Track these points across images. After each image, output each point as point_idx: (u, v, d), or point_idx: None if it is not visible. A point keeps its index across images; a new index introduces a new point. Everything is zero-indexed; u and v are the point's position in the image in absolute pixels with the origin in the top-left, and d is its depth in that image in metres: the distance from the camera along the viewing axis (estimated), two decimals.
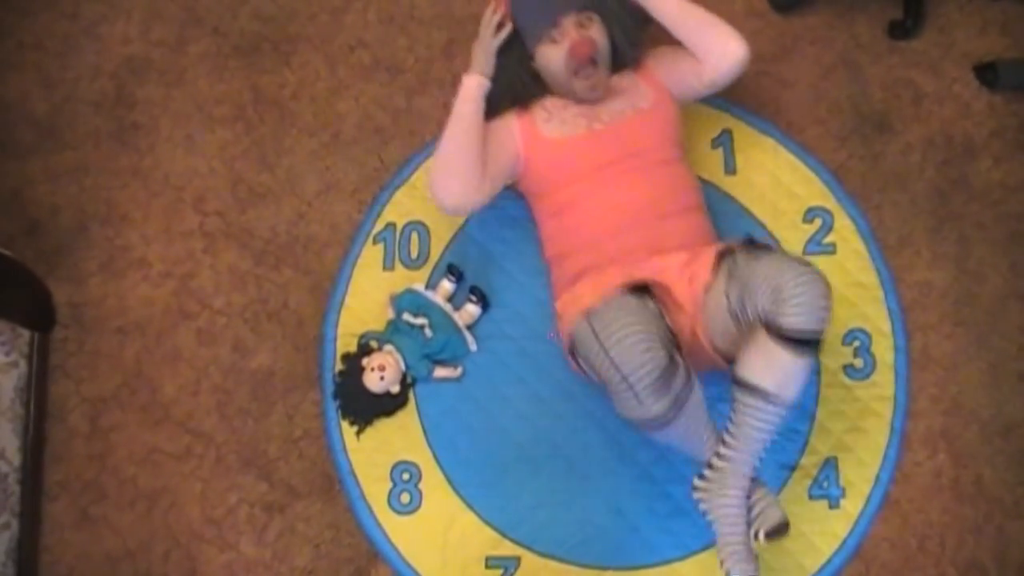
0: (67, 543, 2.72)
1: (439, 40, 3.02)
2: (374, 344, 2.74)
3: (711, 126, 2.87)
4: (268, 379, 2.79)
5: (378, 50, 3.02)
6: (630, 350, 2.12)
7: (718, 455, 2.32)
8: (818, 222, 2.79)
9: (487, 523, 2.64)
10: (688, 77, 2.60)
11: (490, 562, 2.63)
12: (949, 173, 2.86)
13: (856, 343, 2.71)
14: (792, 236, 2.78)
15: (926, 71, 2.94)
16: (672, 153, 2.58)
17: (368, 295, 2.80)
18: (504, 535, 2.63)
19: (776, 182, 2.82)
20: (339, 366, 2.73)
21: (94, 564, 2.71)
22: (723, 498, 2.32)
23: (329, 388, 2.74)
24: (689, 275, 2.39)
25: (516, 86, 2.60)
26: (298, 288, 2.84)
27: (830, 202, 2.81)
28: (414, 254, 2.84)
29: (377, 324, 2.76)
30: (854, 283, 2.75)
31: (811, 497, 2.63)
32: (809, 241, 2.77)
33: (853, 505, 2.63)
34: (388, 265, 2.82)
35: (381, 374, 2.66)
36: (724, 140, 2.86)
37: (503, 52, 2.57)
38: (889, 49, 2.95)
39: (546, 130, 2.56)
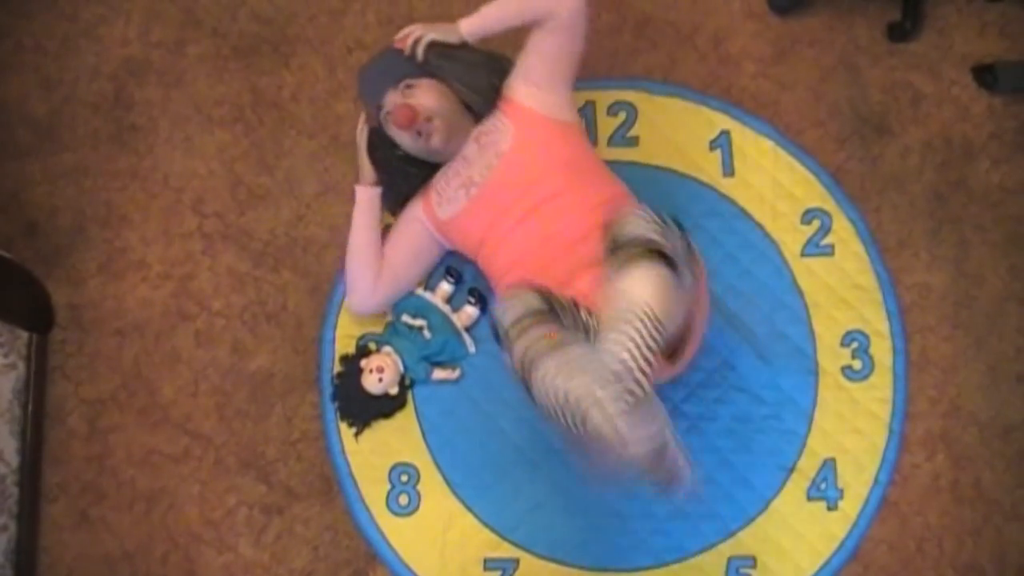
0: (66, 544, 2.72)
1: None
2: (372, 346, 2.74)
3: (709, 128, 2.87)
4: (267, 381, 2.79)
5: (377, 51, 3.01)
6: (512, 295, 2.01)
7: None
8: (816, 224, 2.79)
9: (485, 525, 2.64)
10: (551, 48, 2.51)
11: (488, 564, 2.63)
12: (948, 175, 2.86)
13: (855, 345, 2.71)
14: (790, 238, 2.78)
15: (925, 73, 2.94)
16: (558, 180, 2.45)
17: None
18: (503, 537, 2.63)
19: (775, 184, 2.82)
20: (337, 368, 2.73)
21: (93, 565, 2.71)
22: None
23: (328, 390, 2.74)
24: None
25: (398, 177, 2.64)
26: (297, 290, 2.84)
27: (829, 204, 2.81)
28: None
29: (376, 326, 2.75)
30: (853, 285, 2.75)
31: (809, 499, 2.63)
32: (807, 243, 2.77)
33: (851, 507, 2.63)
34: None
35: (380, 376, 2.66)
36: (722, 142, 2.86)
37: (376, 150, 2.62)
38: (888, 51, 2.95)
39: (440, 212, 2.57)
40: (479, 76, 2.53)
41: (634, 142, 2.86)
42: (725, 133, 2.87)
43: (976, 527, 2.63)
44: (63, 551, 2.72)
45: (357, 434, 2.70)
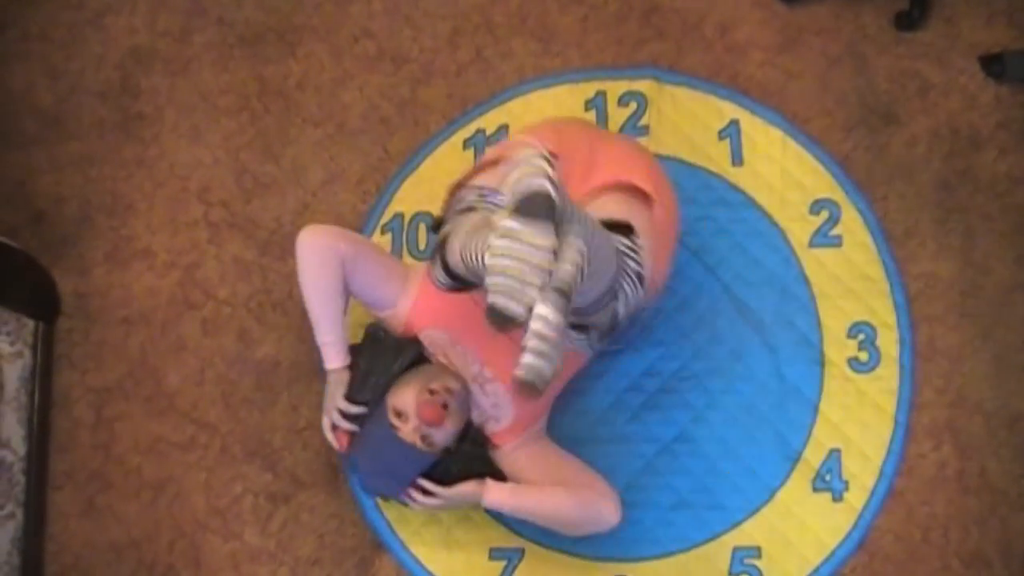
0: (72, 532, 2.73)
1: (444, 30, 3.01)
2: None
3: (719, 117, 2.86)
4: (273, 369, 2.79)
5: (383, 40, 3.01)
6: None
7: None
8: (825, 214, 2.78)
9: (491, 515, 2.64)
10: None
11: (494, 554, 2.64)
12: (955, 165, 2.85)
13: (861, 336, 2.71)
14: (799, 228, 2.77)
15: (932, 62, 2.92)
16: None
17: None
18: (508, 527, 2.63)
19: (784, 173, 2.81)
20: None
21: (99, 553, 2.72)
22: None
23: None
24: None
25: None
26: None
27: (837, 194, 2.80)
28: (422, 245, 2.83)
29: None
30: (860, 276, 2.74)
31: (814, 490, 2.63)
32: (816, 233, 2.77)
33: (856, 498, 2.63)
34: (396, 256, 2.82)
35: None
36: (732, 131, 2.85)
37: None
38: (895, 40, 2.94)
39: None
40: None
41: (644, 131, 2.85)
42: (734, 122, 2.86)
43: (982, 517, 2.63)
44: (69, 539, 2.73)
45: None
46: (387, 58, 3.00)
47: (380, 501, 2.66)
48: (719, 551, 2.61)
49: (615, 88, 2.90)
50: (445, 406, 2.32)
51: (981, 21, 2.94)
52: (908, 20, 2.92)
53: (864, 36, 2.95)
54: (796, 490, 2.63)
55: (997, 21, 2.94)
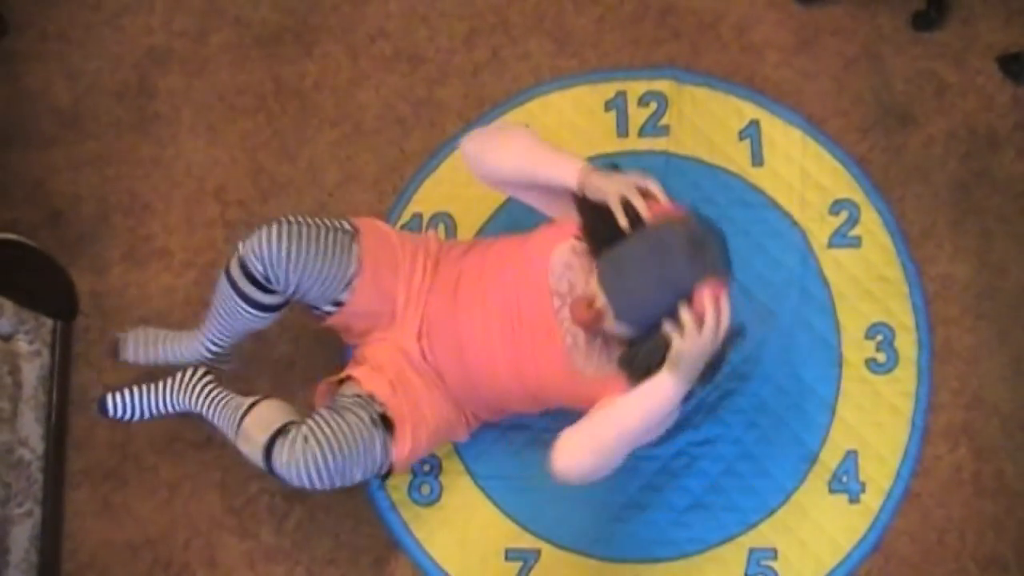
0: (89, 531, 2.74)
1: (460, 30, 3.01)
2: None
3: (739, 117, 2.86)
4: (288, 368, 2.80)
5: (399, 41, 3.02)
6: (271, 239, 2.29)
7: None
8: (844, 215, 2.78)
9: (507, 515, 2.64)
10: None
11: (510, 554, 2.64)
12: (972, 165, 2.84)
13: (879, 337, 2.70)
14: (818, 228, 2.77)
15: (949, 63, 2.92)
16: (527, 388, 2.36)
17: None
18: (524, 527, 2.64)
19: (803, 174, 2.81)
20: None
21: (115, 551, 2.73)
22: None
23: None
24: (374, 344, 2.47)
25: (595, 228, 2.19)
26: None
27: (857, 195, 2.79)
28: None
29: None
30: (879, 277, 2.74)
31: (831, 491, 2.63)
32: (835, 234, 2.76)
33: (873, 500, 2.62)
34: None
35: None
36: (752, 131, 2.84)
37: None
38: (912, 40, 2.93)
39: (556, 254, 2.28)
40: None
41: (664, 131, 2.85)
42: (754, 123, 2.86)
43: (998, 519, 2.63)
44: (86, 537, 2.74)
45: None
46: (403, 58, 3.00)
47: (393, 501, 2.67)
48: (735, 553, 2.61)
49: (635, 88, 2.90)
50: None
51: (999, 21, 2.94)
52: (925, 20, 2.92)
53: (880, 36, 2.94)
54: (812, 492, 2.63)
55: (1015, 21, 2.93)
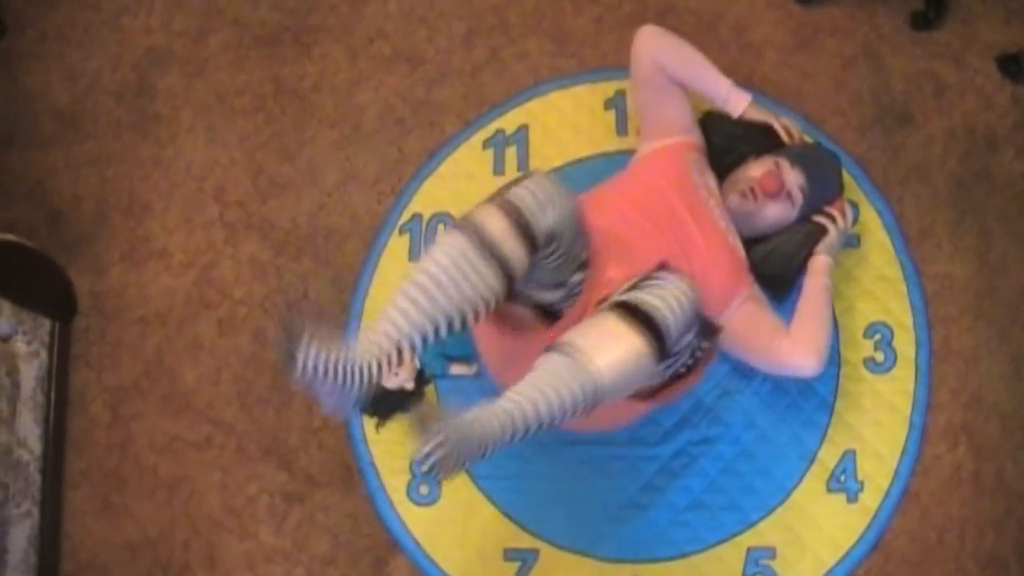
0: (88, 531, 2.74)
1: (459, 31, 3.01)
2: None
3: None
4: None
5: (398, 41, 3.02)
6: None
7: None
8: None
9: (506, 515, 2.64)
10: (753, 344, 2.51)
11: (509, 554, 2.64)
12: (971, 165, 2.84)
13: (878, 337, 2.70)
14: None
15: (948, 63, 2.92)
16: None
17: (393, 286, 2.77)
18: (523, 528, 2.64)
19: None
20: None
21: (115, 552, 2.73)
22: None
23: None
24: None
25: (732, 140, 2.65)
26: (318, 279, 2.84)
27: (856, 194, 2.79)
28: None
29: None
30: (878, 276, 2.74)
31: (829, 490, 2.62)
32: None
33: (871, 499, 2.62)
34: (414, 256, 2.82)
35: (396, 370, 2.65)
36: None
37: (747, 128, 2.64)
38: (911, 40, 2.94)
39: (688, 163, 2.58)
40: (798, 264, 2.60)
41: None
42: None
43: (998, 519, 2.63)
44: (86, 537, 2.74)
45: (378, 427, 2.71)
46: (402, 59, 3.01)
47: (392, 501, 2.67)
48: (734, 552, 2.61)
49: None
50: None
51: (997, 21, 2.94)
52: (924, 20, 2.92)
53: (879, 36, 2.94)
54: (811, 491, 2.62)
55: (1013, 21, 2.93)
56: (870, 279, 2.73)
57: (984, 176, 2.83)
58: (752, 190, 2.53)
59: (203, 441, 2.77)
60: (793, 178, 2.53)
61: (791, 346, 2.43)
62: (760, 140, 2.62)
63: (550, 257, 2.06)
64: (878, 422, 2.66)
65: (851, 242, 2.75)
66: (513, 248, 1.93)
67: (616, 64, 2.92)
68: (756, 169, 2.55)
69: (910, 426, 2.66)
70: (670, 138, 2.63)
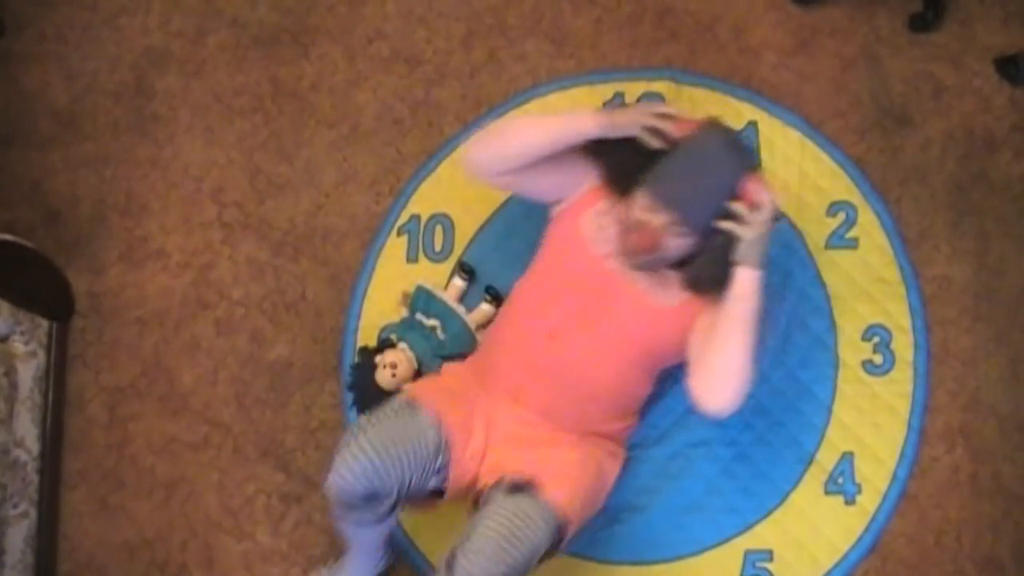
0: (85, 532, 2.74)
1: (458, 32, 3.01)
2: (393, 338, 2.72)
3: (737, 118, 2.85)
4: (286, 370, 2.80)
5: (397, 42, 3.02)
6: (349, 462, 2.23)
7: None
8: (842, 216, 2.78)
9: None
10: (689, 348, 2.34)
11: None
12: (969, 167, 2.84)
13: (876, 339, 2.70)
14: (815, 229, 2.77)
15: (947, 65, 2.92)
16: (632, 355, 2.36)
17: (391, 286, 2.79)
18: None
19: (801, 175, 2.81)
20: (356, 359, 2.73)
21: (112, 552, 2.72)
22: None
23: (347, 379, 2.74)
24: (487, 462, 2.36)
25: (623, 166, 2.34)
26: (316, 279, 2.84)
27: (855, 196, 2.79)
28: (438, 247, 2.83)
29: (398, 316, 2.75)
30: (876, 278, 2.74)
31: (827, 493, 2.62)
32: (832, 235, 2.76)
33: (869, 502, 2.62)
34: (412, 257, 2.82)
35: (393, 372, 2.65)
36: (750, 132, 2.84)
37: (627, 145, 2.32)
38: (909, 42, 2.94)
39: (584, 225, 2.38)
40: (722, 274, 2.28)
41: None
42: (752, 124, 2.86)
43: (995, 521, 2.62)
44: (83, 538, 2.74)
45: None
46: (401, 59, 3.01)
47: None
48: (731, 554, 2.60)
49: (633, 89, 2.89)
50: None
51: (996, 23, 2.94)
52: (922, 22, 2.92)
53: (878, 38, 2.94)
54: (809, 493, 2.62)
55: (1012, 23, 2.93)
56: (868, 281, 2.73)
57: (982, 178, 2.83)
58: (635, 249, 2.30)
59: (201, 442, 2.77)
60: (665, 220, 2.23)
61: (693, 387, 2.28)
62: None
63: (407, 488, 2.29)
64: (876, 424, 2.65)
65: (850, 244, 2.75)
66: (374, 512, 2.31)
67: (615, 65, 2.92)
68: (636, 208, 2.27)
69: (908, 428, 2.66)
70: (563, 202, 2.44)
